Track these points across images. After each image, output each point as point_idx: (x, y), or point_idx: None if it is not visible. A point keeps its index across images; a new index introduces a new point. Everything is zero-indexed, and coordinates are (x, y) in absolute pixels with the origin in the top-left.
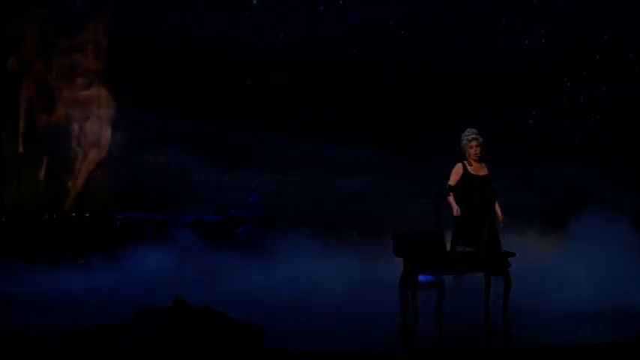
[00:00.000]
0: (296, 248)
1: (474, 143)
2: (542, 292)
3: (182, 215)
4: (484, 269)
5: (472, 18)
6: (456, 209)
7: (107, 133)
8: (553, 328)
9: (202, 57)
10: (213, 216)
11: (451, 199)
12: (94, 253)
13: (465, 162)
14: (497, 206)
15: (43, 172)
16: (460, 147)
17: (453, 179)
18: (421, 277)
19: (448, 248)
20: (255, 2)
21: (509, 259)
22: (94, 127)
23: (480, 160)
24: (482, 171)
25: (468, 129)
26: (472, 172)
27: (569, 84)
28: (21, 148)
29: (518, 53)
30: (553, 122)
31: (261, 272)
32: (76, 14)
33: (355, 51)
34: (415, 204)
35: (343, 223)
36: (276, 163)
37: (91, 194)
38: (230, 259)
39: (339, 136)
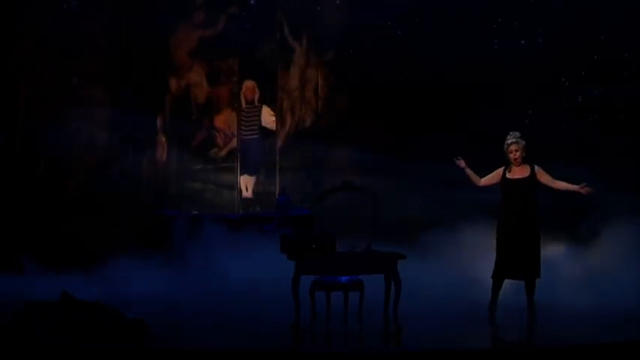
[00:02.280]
0: None
1: (512, 148)
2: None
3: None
4: (372, 270)
5: (469, 18)
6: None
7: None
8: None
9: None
10: (238, 214)
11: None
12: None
13: (507, 167)
14: (570, 185)
15: (41, 172)
16: (504, 152)
17: (487, 177)
18: (342, 278)
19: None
20: (252, 2)
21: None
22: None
23: (523, 163)
24: (522, 174)
25: (510, 133)
26: (509, 177)
27: (566, 84)
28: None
29: (515, 53)
30: (550, 122)
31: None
32: (73, 15)
33: (352, 51)
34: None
35: None
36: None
37: (90, 194)
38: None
39: (339, 136)
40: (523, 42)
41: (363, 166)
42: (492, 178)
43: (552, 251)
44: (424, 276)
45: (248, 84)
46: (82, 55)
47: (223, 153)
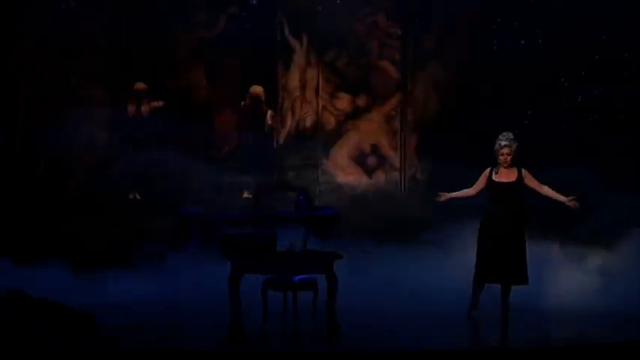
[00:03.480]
0: None
1: (505, 150)
2: (534, 292)
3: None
4: (309, 270)
5: (468, 17)
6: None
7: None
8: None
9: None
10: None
11: (459, 192)
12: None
13: (494, 168)
14: (556, 194)
15: (41, 172)
16: (493, 151)
17: (476, 184)
18: (296, 277)
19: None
20: (253, 2)
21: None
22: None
23: (512, 166)
24: (509, 177)
25: (503, 133)
26: (496, 179)
27: (566, 84)
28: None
29: (515, 53)
30: (550, 122)
31: None
32: (73, 15)
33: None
34: None
35: None
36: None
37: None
38: None
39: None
40: (523, 42)
41: (363, 166)
42: (481, 182)
43: (553, 251)
44: (424, 275)
45: (256, 89)
46: (82, 55)
47: (223, 153)
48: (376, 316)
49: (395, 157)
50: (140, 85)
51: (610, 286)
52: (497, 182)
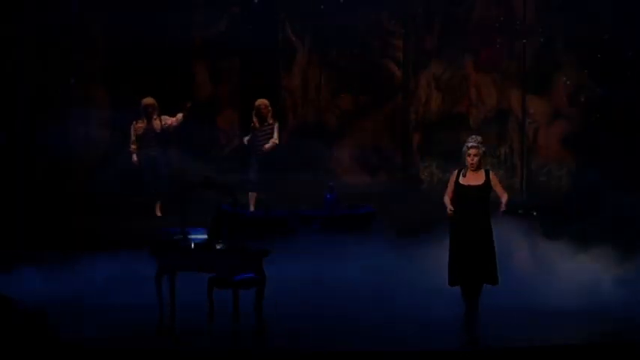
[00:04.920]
0: None
1: (472, 152)
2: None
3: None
4: (238, 267)
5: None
6: (449, 208)
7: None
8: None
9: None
10: (281, 212)
11: (446, 199)
12: None
13: (462, 170)
14: (504, 198)
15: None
16: (461, 153)
17: (448, 188)
18: (242, 275)
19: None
20: (255, 2)
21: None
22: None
23: (480, 169)
24: (476, 181)
25: (472, 136)
26: (462, 182)
27: (567, 83)
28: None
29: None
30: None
31: None
32: (73, 15)
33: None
34: None
35: None
36: None
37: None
38: None
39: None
40: (524, 42)
41: (364, 166)
42: (451, 186)
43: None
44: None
45: (261, 102)
46: (82, 55)
47: (225, 152)
48: (376, 316)
49: (397, 157)
50: (149, 101)
51: (610, 287)
52: (465, 185)
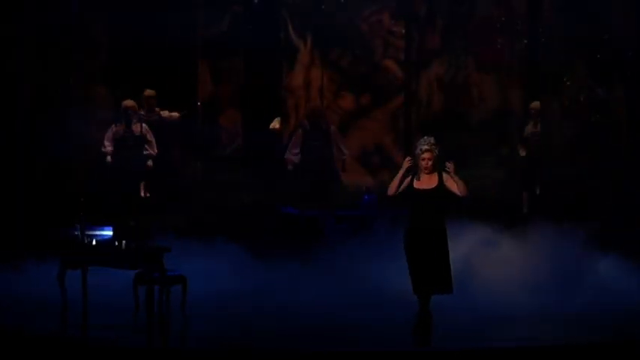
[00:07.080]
0: None
1: (426, 155)
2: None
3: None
4: (137, 263)
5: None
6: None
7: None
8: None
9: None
10: (313, 212)
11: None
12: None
13: (416, 174)
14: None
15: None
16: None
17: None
18: (169, 273)
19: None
20: (256, 1)
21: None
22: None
23: (434, 172)
24: (429, 184)
25: (425, 137)
26: (416, 187)
27: (568, 83)
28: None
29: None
30: (552, 122)
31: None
32: (73, 15)
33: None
34: None
35: None
36: None
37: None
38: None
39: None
40: (525, 42)
41: (366, 165)
42: (400, 180)
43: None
44: None
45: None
46: (82, 55)
47: (228, 151)
48: (376, 316)
49: (399, 157)
50: (129, 103)
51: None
52: (418, 189)
